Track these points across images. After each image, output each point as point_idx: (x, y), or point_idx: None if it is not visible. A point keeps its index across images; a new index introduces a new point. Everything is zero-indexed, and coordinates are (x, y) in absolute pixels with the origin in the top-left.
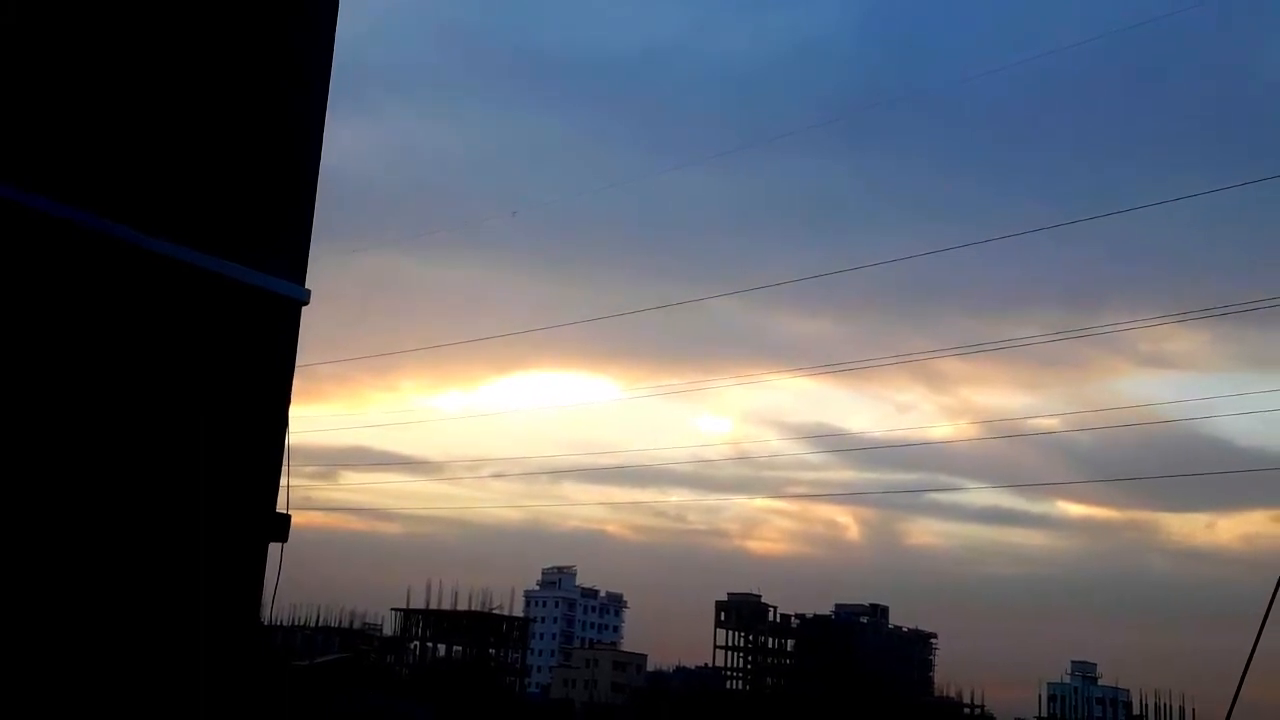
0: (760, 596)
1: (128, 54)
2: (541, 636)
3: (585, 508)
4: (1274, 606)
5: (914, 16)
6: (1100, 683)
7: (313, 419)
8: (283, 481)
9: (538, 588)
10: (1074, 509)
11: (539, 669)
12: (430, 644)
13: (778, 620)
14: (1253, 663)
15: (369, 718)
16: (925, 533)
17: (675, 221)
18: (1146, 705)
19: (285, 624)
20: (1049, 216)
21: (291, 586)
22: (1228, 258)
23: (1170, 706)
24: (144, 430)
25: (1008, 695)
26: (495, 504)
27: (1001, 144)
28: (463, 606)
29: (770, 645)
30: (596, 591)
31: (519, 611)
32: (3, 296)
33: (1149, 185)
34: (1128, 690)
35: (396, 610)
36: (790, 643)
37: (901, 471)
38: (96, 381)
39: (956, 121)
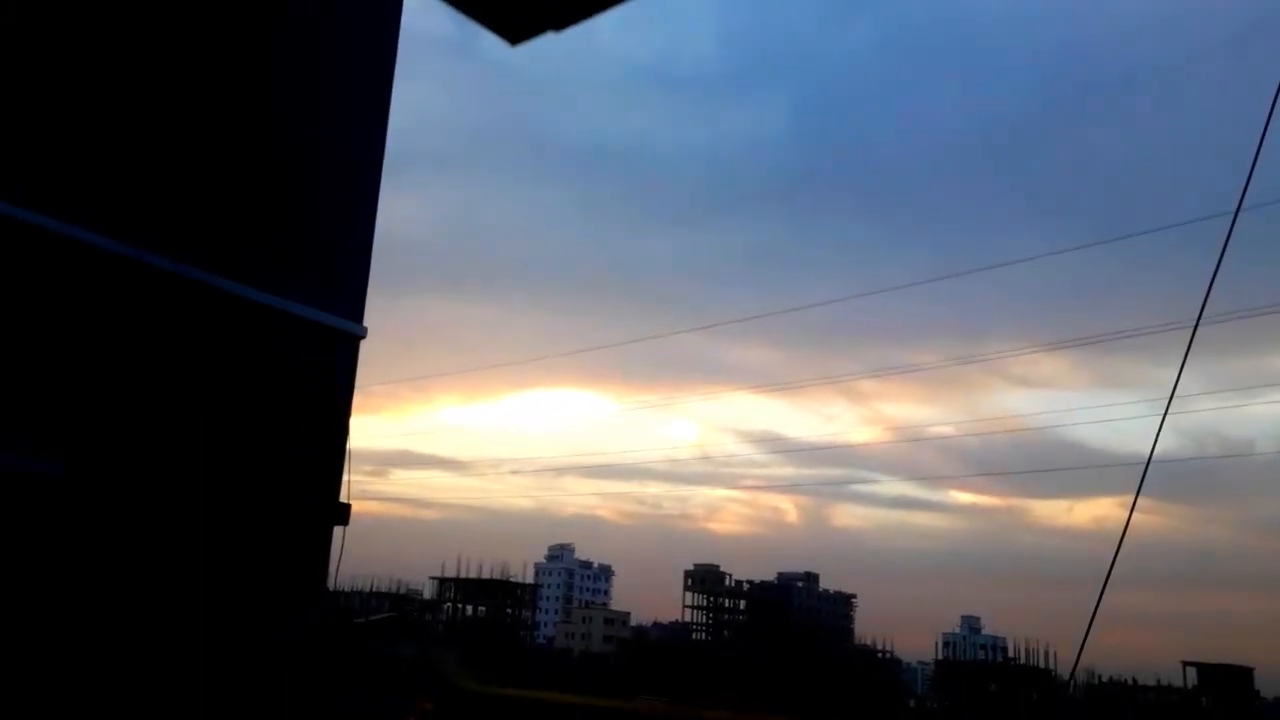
0: (719, 566)
1: (235, 143)
2: (548, 599)
3: (582, 497)
4: (1112, 572)
5: (839, 113)
6: (984, 632)
7: (369, 428)
8: (345, 477)
9: (545, 560)
10: (963, 497)
11: (545, 624)
12: (460, 605)
13: (733, 585)
14: (1097, 615)
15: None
16: (848, 516)
17: (651, 271)
18: (1019, 650)
19: (346, 590)
20: (945, 267)
21: (351, 561)
22: (1083, 300)
23: (1037, 650)
24: (240, 438)
25: (911, 643)
26: (511, 495)
27: (906, 211)
28: (486, 575)
29: (727, 605)
30: (591, 564)
31: (530, 579)
32: (130, 332)
33: (1021, 243)
34: (1005, 638)
35: (434, 578)
36: (743, 603)
37: (829, 468)
38: (203, 402)
39: (872, 192)
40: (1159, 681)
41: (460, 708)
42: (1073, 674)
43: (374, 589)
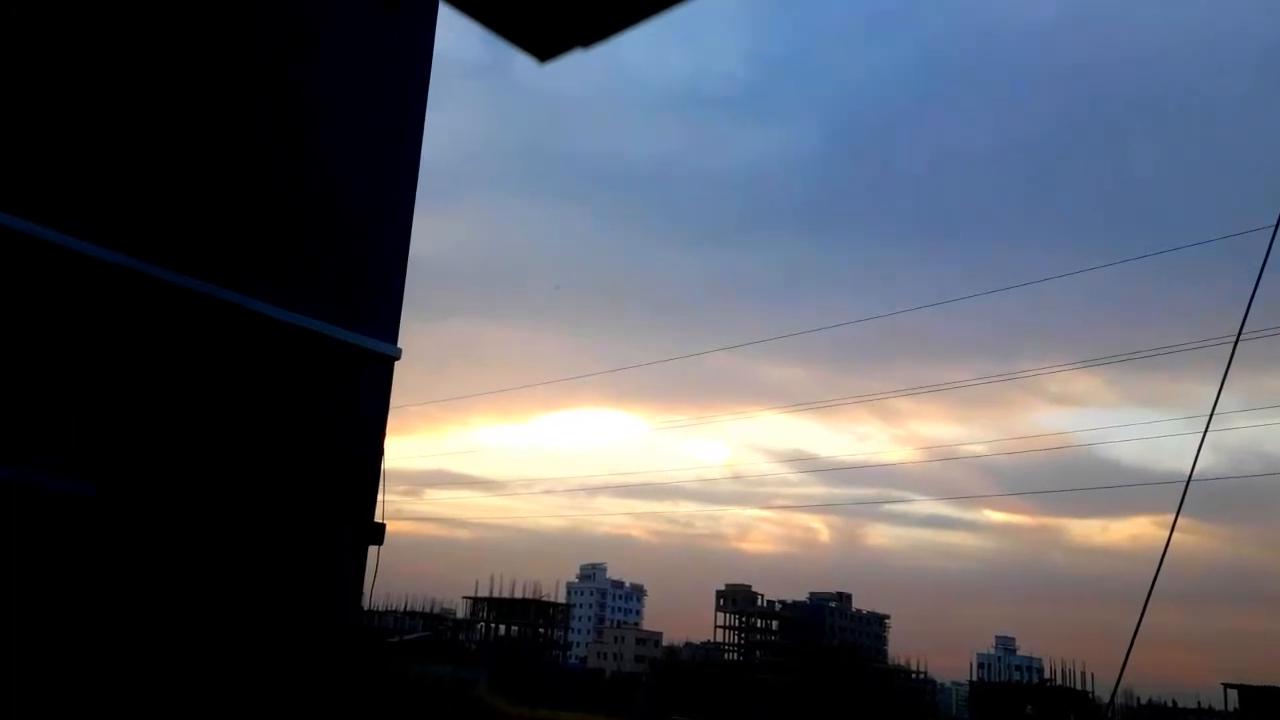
0: (751, 586)
1: (271, 167)
2: (580, 619)
3: (614, 517)
4: (1152, 592)
5: (868, 132)
6: (1019, 653)
7: (403, 448)
8: (380, 497)
9: (577, 580)
10: (997, 516)
11: (577, 644)
12: (493, 624)
13: (765, 605)
14: (1137, 636)
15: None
16: (880, 535)
17: (682, 291)
18: (1055, 670)
19: (381, 609)
20: (977, 284)
21: (386, 580)
22: (1117, 319)
23: (1073, 671)
24: (275, 459)
25: (946, 664)
26: (544, 514)
27: (937, 229)
28: (519, 595)
29: (759, 625)
30: (623, 583)
31: (562, 599)
32: (164, 353)
33: (1054, 260)
34: (1041, 659)
35: (467, 598)
36: (775, 623)
37: (861, 488)
38: (238, 423)
39: (903, 210)
40: (1199, 704)
41: None
42: (1113, 696)
43: (408, 608)
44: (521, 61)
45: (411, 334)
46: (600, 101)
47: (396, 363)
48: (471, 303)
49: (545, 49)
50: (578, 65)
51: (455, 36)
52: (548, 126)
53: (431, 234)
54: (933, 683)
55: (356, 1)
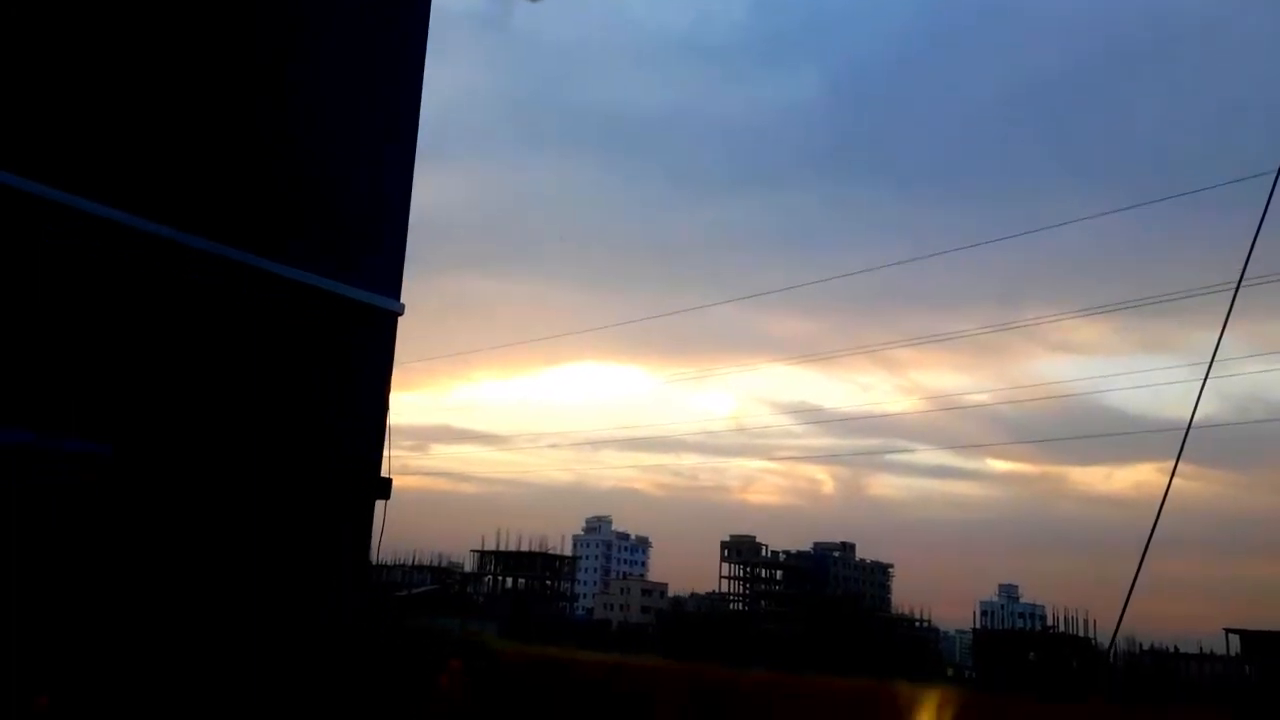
0: (755, 538)
1: (270, 125)
2: (586, 570)
3: (619, 470)
4: (1152, 538)
5: (873, 80)
6: (1022, 601)
7: (409, 404)
8: (386, 452)
9: (583, 533)
10: (1000, 465)
11: (584, 596)
12: (500, 577)
13: (770, 556)
14: (1137, 581)
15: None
16: (884, 486)
17: (687, 244)
18: (1058, 617)
19: (389, 564)
20: (982, 233)
21: (393, 535)
22: (1121, 266)
23: (1076, 618)
24: (282, 415)
25: (949, 612)
26: (550, 468)
27: (942, 178)
28: (525, 548)
29: (764, 575)
30: (628, 535)
31: (568, 551)
32: (172, 312)
33: (1059, 208)
34: (1044, 605)
35: (474, 551)
36: (779, 573)
37: (865, 438)
38: (245, 381)
39: (908, 159)
40: (1201, 649)
41: (491, 665)
42: (1113, 641)
43: (416, 563)
44: (521, 11)
45: (414, 289)
46: (602, 51)
47: (400, 318)
48: (475, 256)
49: None
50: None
51: None
52: (549, 77)
53: (434, 188)
54: (936, 631)
55: None
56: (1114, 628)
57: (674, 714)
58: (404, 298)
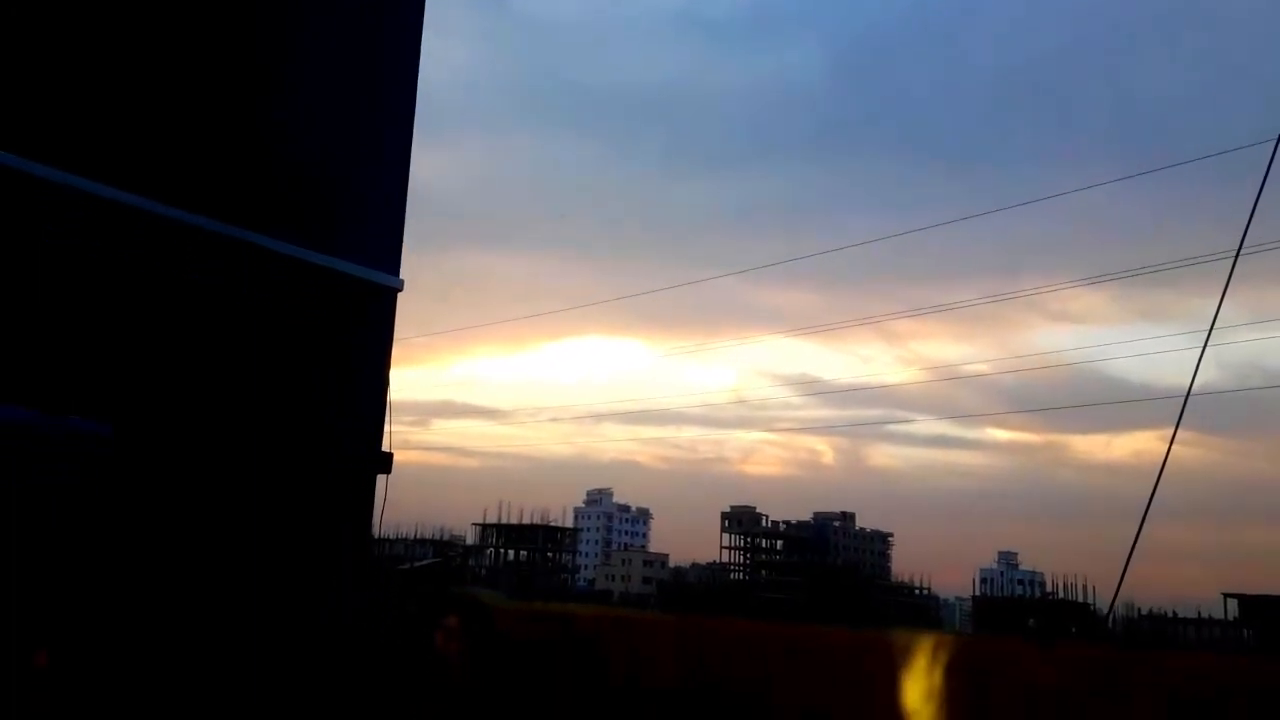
0: (756, 508)
1: (266, 101)
2: (587, 542)
3: (620, 443)
4: (1151, 504)
5: (873, 53)
6: (1021, 568)
7: (409, 379)
8: (387, 427)
9: (584, 505)
10: (1001, 434)
11: (585, 567)
12: (502, 550)
13: (770, 526)
14: (1136, 547)
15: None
16: (884, 456)
17: (685, 218)
18: (1057, 584)
19: (391, 537)
20: (981, 204)
21: (395, 509)
22: (1119, 235)
23: (1075, 585)
24: (283, 391)
25: (949, 580)
26: (551, 441)
27: (942, 149)
28: (526, 520)
29: (764, 545)
30: (629, 507)
31: (570, 523)
32: (171, 291)
33: (1058, 178)
34: (1043, 573)
35: (476, 524)
36: (780, 543)
37: (865, 409)
38: (246, 358)
39: (907, 131)
40: (1199, 614)
41: (488, 620)
42: (1112, 605)
43: (418, 536)
44: None
45: (415, 265)
46: (600, 26)
47: (400, 294)
48: (475, 233)
49: None
50: None
51: None
52: (547, 53)
53: (433, 165)
54: (936, 598)
55: None
56: (1113, 593)
57: (672, 660)
58: (404, 274)
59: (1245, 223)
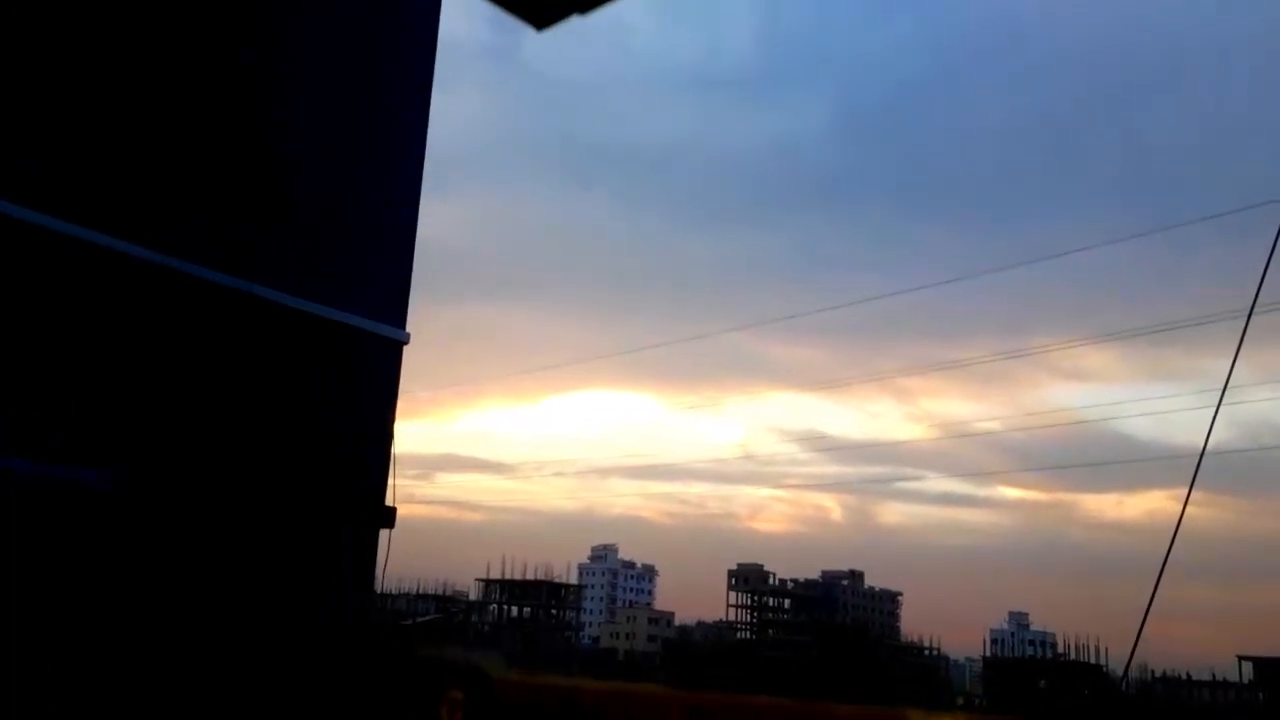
0: (763, 566)
1: (277, 156)
2: (592, 599)
3: (626, 498)
4: (1166, 565)
5: (881, 109)
6: (1032, 628)
7: (414, 432)
8: (390, 481)
9: (589, 561)
10: (1011, 492)
11: (590, 625)
12: (505, 606)
13: (777, 584)
14: (1151, 609)
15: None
16: (893, 513)
17: (693, 272)
18: (1069, 645)
19: (393, 592)
20: (990, 261)
21: (398, 563)
22: (1131, 292)
23: (1087, 646)
24: (287, 444)
25: (959, 640)
26: (555, 496)
27: (950, 206)
28: (530, 576)
29: (771, 604)
30: (634, 564)
31: (574, 579)
32: (176, 342)
33: (1067, 236)
34: (1054, 633)
35: (479, 580)
36: (787, 602)
37: (874, 465)
38: (250, 410)
39: (916, 188)
40: (1214, 676)
41: (490, 695)
42: (1126, 669)
43: (420, 591)
44: (530, 46)
45: (421, 317)
46: (609, 83)
47: (406, 347)
48: (482, 285)
49: (541, 16)
50: (585, 45)
51: (461, 19)
52: (557, 109)
53: (441, 217)
54: (946, 659)
55: None
56: (1127, 655)
57: None
58: (410, 326)
59: (1257, 283)
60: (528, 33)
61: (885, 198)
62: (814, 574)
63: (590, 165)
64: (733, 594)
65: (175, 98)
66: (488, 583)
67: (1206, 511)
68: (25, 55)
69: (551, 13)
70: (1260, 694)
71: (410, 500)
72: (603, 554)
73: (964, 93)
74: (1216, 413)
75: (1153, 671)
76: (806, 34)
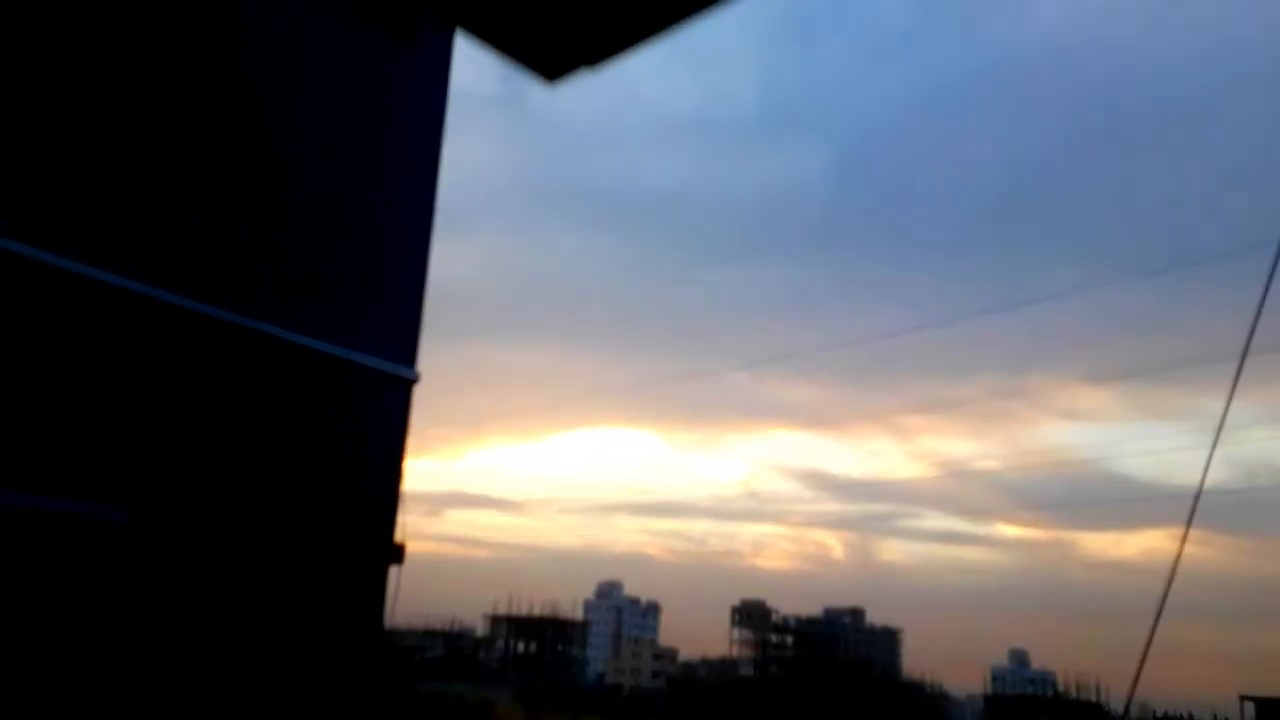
0: (765, 602)
1: (291, 194)
2: (597, 635)
3: (630, 534)
4: (1165, 604)
5: (878, 154)
6: (1032, 667)
7: (424, 469)
8: (400, 518)
9: (594, 597)
10: (1010, 530)
11: (595, 661)
12: (512, 642)
13: (780, 620)
14: (1151, 648)
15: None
16: (893, 550)
17: (695, 312)
18: (1069, 683)
19: (402, 628)
20: (987, 303)
21: (407, 600)
22: (1127, 333)
23: (1088, 684)
24: (298, 482)
25: (959, 677)
26: (561, 533)
27: (947, 248)
28: (537, 612)
29: (774, 640)
30: (639, 600)
31: (580, 615)
32: (187, 380)
33: (1062, 278)
34: (1054, 672)
35: (486, 616)
36: (790, 638)
37: (874, 503)
38: (261, 448)
39: (913, 231)
40: (1215, 716)
41: None
42: (1127, 708)
43: (429, 627)
44: (538, 93)
45: (431, 356)
46: (614, 129)
47: (416, 386)
48: (490, 325)
49: (553, 70)
50: (591, 93)
51: (472, 69)
52: (563, 154)
53: (451, 259)
54: (947, 696)
55: (376, 36)
56: (1127, 694)
57: None
58: (421, 366)
59: (1250, 325)
60: (536, 80)
61: (884, 239)
62: (816, 610)
63: (596, 207)
64: (736, 630)
65: (184, 136)
66: (495, 619)
67: (1205, 551)
68: (36, 102)
69: (562, 68)
70: None
71: (420, 537)
72: (608, 590)
73: (959, 137)
74: (1212, 452)
75: (1154, 711)
76: (804, 81)
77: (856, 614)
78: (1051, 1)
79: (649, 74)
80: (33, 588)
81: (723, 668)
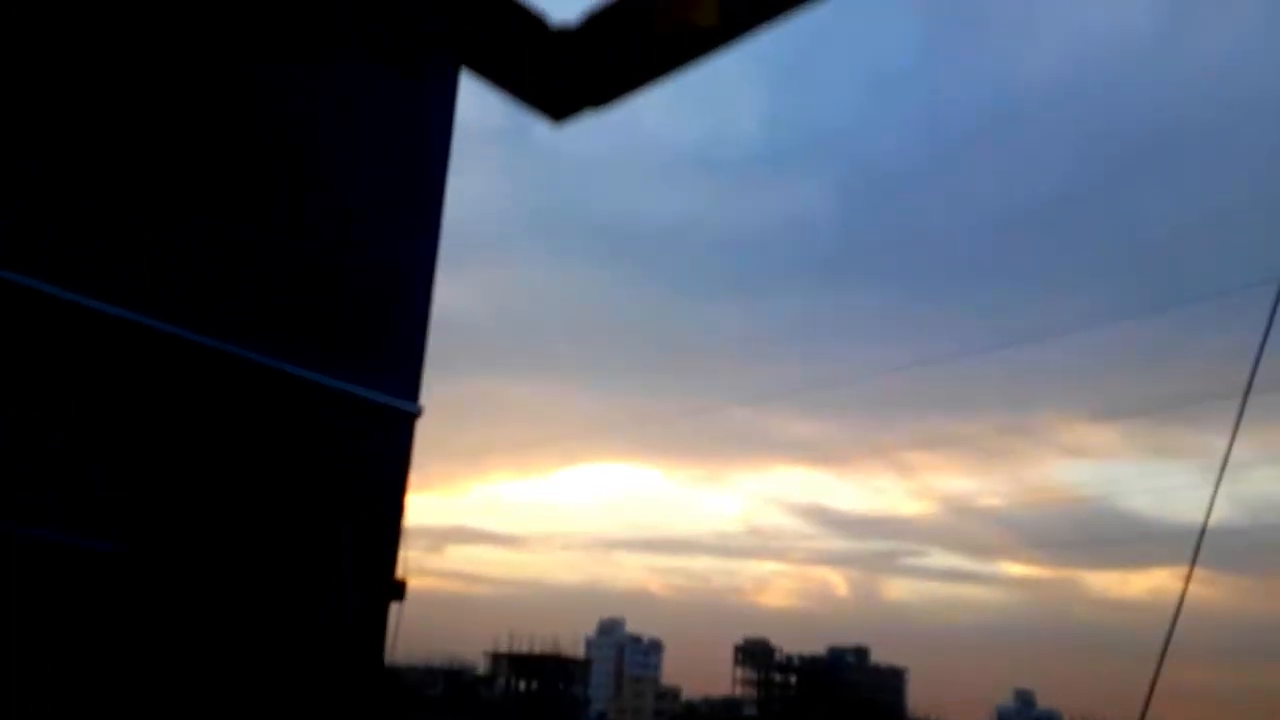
0: (769, 640)
1: (295, 229)
2: (599, 673)
3: (632, 571)
4: (1169, 644)
5: (883, 189)
6: (1038, 706)
7: (425, 504)
8: (401, 554)
9: (595, 635)
10: (1015, 569)
11: (596, 700)
12: (513, 680)
13: (783, 659)
14: (1156, 687)
15: None
16: (898, 589)
17: (699, 347)
18: None
19: (403, 665)
20: (992, 338)
21: (408, 636)
22: (1133, 370)
23: None
24: (298, 516)
25: (964, 716)
26: (563, 569)
27: (952, 284)
28: (538, 650)
29: (777, 679)
30: (641, 638)
31: (581, 653)
32: (188, 413)
33: (1068, 313)
34: (1060, 712)
35: (487, 653)
36: (793, 677)
37: (878, 540)
38: (261, 482)
39: (918, 266)
40: None
41: None
42: None
43: (429, 664)
44: (542, 128)
45: (433, 390)
46: (619, 164)
47: (419, 420)
48: (492, 358)
49: (559, 111)
50: (596, 129)
51: (476, 104)
52: (567, 188)
53: (454, 292)
54: None
55: (379, 71)
56: None
57: None
58: (424, 400)
59: (1254, 361)
60: (542, 120)
61: (888, 275)
62: (819, 648)
63: (600, 242)
64: (739, 669)
65: (186, 171)
66: (496, 656)
67: (1209, 590)
68: (41, 138)
69: (568, 109)
70: None
71: (421, 573)
72: (610, 628)
73: (961, 172)
74: (1216, 490)
75: None
76: (809, 118)
77: (861, 653)
78: (1054, 38)
79: (654, 109)
80: (30, 618)
81: (726, 707)
